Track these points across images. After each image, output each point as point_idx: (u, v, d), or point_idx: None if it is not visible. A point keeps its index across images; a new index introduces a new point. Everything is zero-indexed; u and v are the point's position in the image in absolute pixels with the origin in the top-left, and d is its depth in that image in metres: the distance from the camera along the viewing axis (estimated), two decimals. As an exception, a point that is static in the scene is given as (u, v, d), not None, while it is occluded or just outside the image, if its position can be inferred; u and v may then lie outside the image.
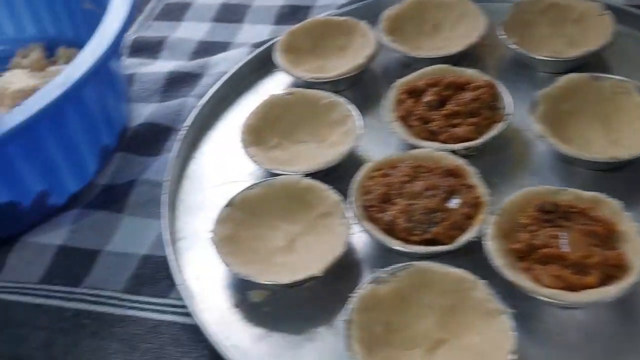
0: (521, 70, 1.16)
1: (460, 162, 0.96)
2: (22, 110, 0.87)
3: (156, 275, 0.95)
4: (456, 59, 1.15)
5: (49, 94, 0.88)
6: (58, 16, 1.32)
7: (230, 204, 0.96)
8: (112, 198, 1.05)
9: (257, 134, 1.07)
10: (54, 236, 1.01)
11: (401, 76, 1.12)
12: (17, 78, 1.15)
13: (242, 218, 0.95)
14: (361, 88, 1.19)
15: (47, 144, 0.94)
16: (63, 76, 0.91)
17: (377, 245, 0.93)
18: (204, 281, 0.93)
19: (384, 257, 0.92)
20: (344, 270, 0.91)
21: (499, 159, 1.03)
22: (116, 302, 0.93)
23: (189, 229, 1.00)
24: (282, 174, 0.99)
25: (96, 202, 1.05)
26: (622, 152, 0.94)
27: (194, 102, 1.18)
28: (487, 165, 0.99)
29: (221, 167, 1.08)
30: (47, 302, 0.93)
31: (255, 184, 0.98)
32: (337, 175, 1.02)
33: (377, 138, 1.09)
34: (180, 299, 0.91)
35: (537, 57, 1.12)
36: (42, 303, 0.93)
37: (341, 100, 1.09)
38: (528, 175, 1.00)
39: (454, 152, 0.98)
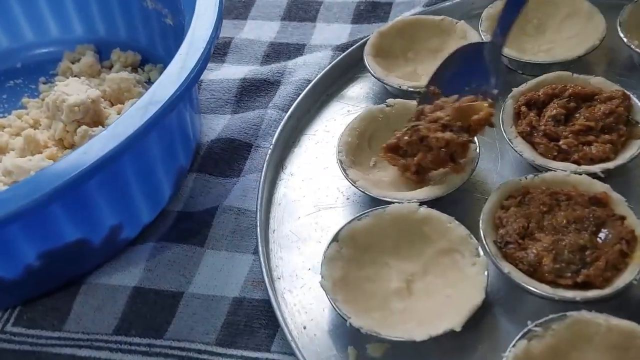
0: (640, 75, 1.03)
1: (603, 187, 0.82)
2: (104, 141, 0.72)
3: (252, 323, 0.81)
4: (570, 64, 1.01)
5: (134, 120, 0.73)
6: (111, 14, 1.17)
7: (337, 239, 0.82)
8: (190, 229, 0.91)
9: (355, 153, 0.93)
10: (127, 276, 0.86)
11: (504, 83, 0.98)
12: (73, 88, 1.00)
13: (351, 255, 0.82)
14: (461, 97, 1.04)
15: (126, 173, 0.80)
16: (148, 97, 0.76)
17: (511, 287, 0.79)
18: (312, 331, 0.79)
19: (520, 301, 0.79)
20: (475, 317, 0.76)
21: (632, 180, 0.90)
22: (208, 356, 0.79)
23: (285, 266, 0.86)
24: (391, 202, 0.85)
25: (172, 234, 0.90)
26: None
27: (275, 114, 1.04)
28: (619, 188, 0.84)
29: (313, 190, 0.95)
30: (125, 358, 0.79)
31: (362, 214, 0.84)
32: (448, 201, 0.88)
33: (489, 156, 0.95)
34: (285, 352, 0.77)
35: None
36: (119, 359, 0.79)
37: None
38: (671, 201, 0.87)
39: (593, 174, 0.85)
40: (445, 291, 0.79)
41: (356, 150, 0.93)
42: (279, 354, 0.78)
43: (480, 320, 0.77)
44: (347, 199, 0.92)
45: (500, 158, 0.95)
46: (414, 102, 0.94)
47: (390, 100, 0.96)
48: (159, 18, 1.10)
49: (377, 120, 0.95)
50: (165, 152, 0.86)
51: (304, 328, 0.79)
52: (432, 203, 0.85)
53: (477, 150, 0.89)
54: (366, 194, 0.87)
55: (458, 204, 0.89)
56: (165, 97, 0.75)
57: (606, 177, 0.85)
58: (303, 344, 0.77)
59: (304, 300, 0.82)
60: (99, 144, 0.71)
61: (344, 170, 0.89)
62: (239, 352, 0.79)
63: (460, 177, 0.86)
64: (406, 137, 0.88)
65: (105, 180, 0.77)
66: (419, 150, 0.87)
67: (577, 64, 1.02)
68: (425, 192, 0.86)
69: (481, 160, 0.94)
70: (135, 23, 1.15)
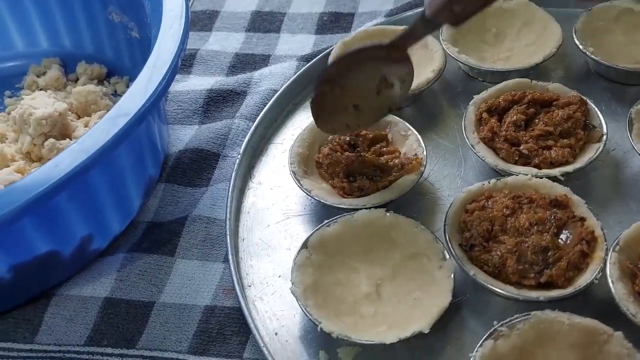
0: (598, 81, 1.06)
1: (563, 190, 0.85)
2: (74, 154, 0.72)
3: (224, 330, 0.82)
4: (529, 71, 1.04)
5: (103, 133, 0.74)
6: (77, 28, 1.17)
7: (306, 245, 0.83)
8: (160, 238, 0.92)
9: (306, 163, 0.94)
10: (98, 287, 0.87)
11: (466, 90, 1.02)
12: (40, 101, 1.00)
13: (321, 261, 0.83)
14: (423, 105, 1.07)
15: (96, 184, 0.80)
16: (116, 110, 0.76)
17: (477, 289, 0.81)
18: (284, 337, 0.81)
19: (486, 302, 0.82)
20: (442, 318, 0.78)
21: (591, 182, 0.93)
22: (181, 365, 0.79)
23: (256, 274, 0.87)
24: (349, 209, 0.87)
25: (143, 244, 0.91)
26: None
27: (242, 124, 1.05)
28: (579, 190, 0.88)
29: (282, 198, 0.96)
30: (98, 369, 0.80)
31: (331, 220, 0.85)
32: (414, 207, 0.91)
33: (454, 161, 0.98)
34: (257, 359, 0.79)
35: (623, 67, 1.02)
36: (91, 370, 0.80)
37: (396, 118, 0.97)
38: (629, 201, 0.90)
39: (553, 177, 0.87)
40: (414, 294, 0.81)
41: (307, 160, 0.95)
42: (251, 360, 0.79)
43: (448, 321, 0.80)
44: (315, 206, 0.94)
45: (464, 163, 0.98)
46: None
47: None
48: (125, 31, 1.10)
49: None
50: (135, 163, 0.87)
51: (276, 334, 0.81)
52: (399, 209, 0.87)
53: (425, 152, 0.92)
54: (322, 201, 0.89)
55: (424, 209, 0.92)
56: (134, 110, 0.76)
57: (566, 180, 0.89)
58: (275, 350, 0.79)
59: (275, 307, 0.83)
60: (69, 157, 0.72)
61: (298, 180, 0.91)
62: (212, 360, 0.79)
63: (410, 180, 0.89)
64: (320, 155, 0.93)
65: (76, 192, 0.77)
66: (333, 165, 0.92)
67: (536, 71, 1.06)
68: (379, 197, 0.88)
69: (445, 165, 0.98)
70: (101, 36, 1.15)
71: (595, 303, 0.78)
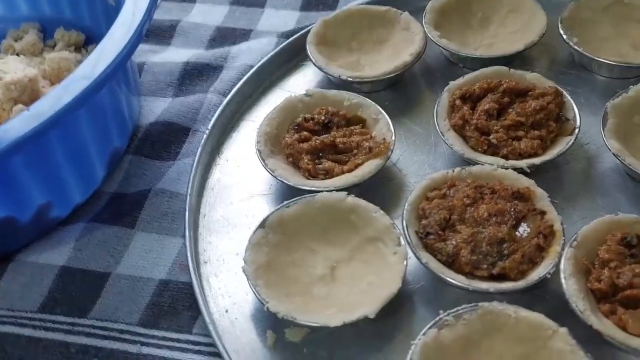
0: (580, 73, 1.05)
1: (527, 182, 0.84)
2: (31, 117, 0.71)
3: (176, 305, 0.82)
4: (510, 59, 1.03)
5: (62, 97, 0.73)
6: (55, -8, 1.16)
7: (263, 225, 0.83)
8: (122, 210, 0.91)
9: (274, 143, 0.93)
10: (56, 255, 0.87)
11: (447, 75, 1.00)
12: (10, 66, 0.99)
13: (278, 241, 0.83)
14: (400, 88, 1.06)
15: (55, 152, 0.80)
16: (79, 75, 0.76)
17: (432, 277, 0.80)
18: (234, 315, 0.80)
19: (440, 291, 0.81)
20: (395, 305, 0.78)
21: (561, 176, 0.92)
22: (130, 337, 0.79)
23: (213, 250, 0.87)
24: (311, 190, 0.86)
25: (104, 214, 0.91)
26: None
27: (215, 98, 1.04)
28: (548, 183, 0.87)
29: (248, 176, 0.95)
30: (48, 336, 0.80)
31: (291, 201, 0.85)
32: (381, 192, 0.90)
33: (425, 148, 0.97)
34: (205, 335, 0.78)
35: (605, 60, 1.00)
36: (41, 337, 0.80)
37: (368, 101, 0.96)
38: (596, 197, 0.89)
39: (519, 169, 0.86)
40: (367, 278, 0.80)
41: (275, 139, 0.94)
42: (200, 336, 0.79)
43: (399, 308, 0.79)
44: (281, 186, 0.93)
45: (434, 150, 0.97)
46: (334, 92, 0.96)
47: (309, 90, 0.97)
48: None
49: (296, 110, 0.96)
50: (98, 133, 0.86)
51: (226, 311, 0.80)
52: (365, 193, 0.86)
53: (393, 137, 0.91)
54: (284, 182, 0.88)
55: (389, 194, 0.92)
56: (93, 76, 0.75)
57: (533, 172, 0.87)
58: (223, 327, 0.79)
59: (228, 285, 0.83)
60: (20, 122, 0.71)
61: (263, 160, 0.90)
62: (161, 333, 0.79)
63: (375, 164, 0.88)
64: (287, 138, 0.92)
65: (32, 158, 0.77)
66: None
67: (520, 59, 1.04)
68: (342, 180, 0.87)
69: (415, 151, 0.97)
70: (79, 2, 1.14)
71: (548, 297, 0.78)
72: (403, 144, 0.97)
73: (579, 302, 0.72)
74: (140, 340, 0.79)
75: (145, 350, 0.78)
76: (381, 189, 0.92)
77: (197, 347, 0.78)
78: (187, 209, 0.88)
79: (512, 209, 0.81)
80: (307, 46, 1.05)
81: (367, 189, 0.89)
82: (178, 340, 0.79)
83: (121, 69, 0.86)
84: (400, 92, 1.05)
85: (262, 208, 0.91)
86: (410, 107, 1.03)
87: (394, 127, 0.96)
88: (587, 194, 0.89)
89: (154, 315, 0.81)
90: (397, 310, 0.79)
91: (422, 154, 0.96)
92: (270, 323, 0.79)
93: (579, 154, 0.93)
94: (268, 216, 0.83)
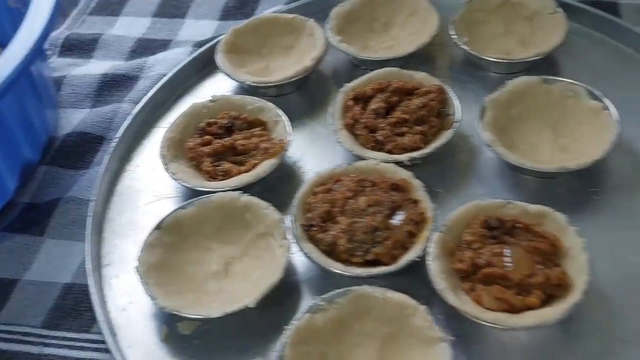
0: (473, 71, 1.10)
1: (405, 175, 0.89)
2: None
3: (78, 306, 0.87)
4: (408, 59, 1.08)
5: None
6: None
7: (159, 227, 0.87)
8: (33, 219, 0.96)
9: (178, 147, 0.98)
10: (-34, 264, 0.91)
11: (351, 77, 1.05)
12: None
13: (173, 242, 0.87)
14: (308, 91, 1.11)
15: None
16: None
17: (318, 267, 0.85)
18: (131, 313, 0.85)
19: (327, 280, 0.85)
20: (283, 295, 0.83)
21: (446, 167, 0.97)
22: (33, 339, 0.84)
23: (117, 253, 0.92)
24: (209, 191, 0.91)
25: (16, 224, 0.95)
26: (570, 161, 0.89)
27: (128, 107, 1.09)
28: (433, 174, 0.93)
29: (156, 181, 1.00)
30: (-45, 341, 0.84)
31: (188, 202, 0.90)
32: (282, 190, 0.95)
33: (326, 147, 1.01)
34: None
35: (488, 58, 1.05)
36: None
37: (269, 105, 1.01)
38: (475, 185, 0.94)
39: (400, 162, 0.91)
40: (258, 272, 0.85)
41: (179, 144, 0.98)
42: (99, 335, 0.83)
43: (287, 298, 0.84)
44: (186, 189, 0.97)
45: (334, 149, 1.01)
46: (237, 97, 1.01)
47: (214, 96, 1.02)
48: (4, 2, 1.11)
49: (201, 115, 1.01)
50: (4, 146, 0.91)
51: (124, 310, 0.85)
52: (265, 192, 0.91)
53: (290, 138, 0.95)
54: (184, 185, 0.93)
55: (289, 191, 0.94)
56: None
57: (420, 165, 0.92)
58: (120, 325, 0.83)
59: (128, 285, 0.87)
60: None
61: (165, 164, 0.95)
62: (62, 334, 0.84)
63: (270, 164, 0.93)
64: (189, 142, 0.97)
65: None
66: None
67: (418, 59, 1.09)
68: (237, 180, 0.92)
69: (316, 150, 1.02)
70: (2, 22, 1.18)
71: (419, 279, 0.81)
72: (305, 143, 1.02)
73: (440, 281, 0.77)
74: (42, 341, 0.84)
75: (47, 350, 0.83)
76: (283, 187, 0.96)
77: (95, 345, 0.83)
78: (90, 214, 0.93)
79: (389, 200, 0.85)
80: (216, 54, 1.10)
81: (269, 188, 0.94)
82: (78, 340, 0.83)
83: (22, 81, 0.89)
84: (307, 94, 1.10)
85: (168, 210, 0.95)
86: (314, 109, 1.07)
87: (299, 128, 1.02)
88: (467, 182, 0.94)
89: (57, 317, 0.85)
90: (285, 300, 0.84)
91: (323, 153, 1.01)
92: (164, 319, 0.83)
93: (464, 146, 0.98)
94: (165, 218, 0.88)
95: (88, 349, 0.83)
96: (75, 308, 0.86)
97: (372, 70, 1.06)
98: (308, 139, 1.03)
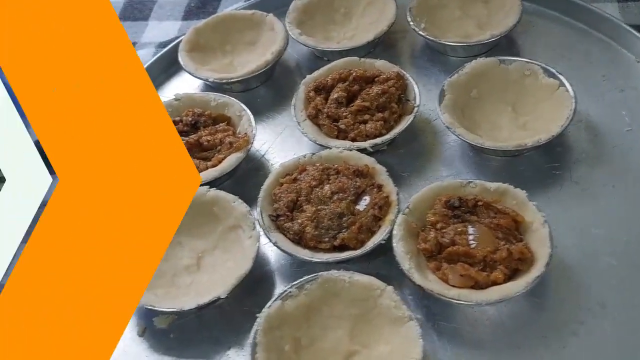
0: (434, 56, 1.12)
1: (368, 160, 0.91)
2: None
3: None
4: (370, 47, 1.10)
5: None
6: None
7: (130, 224, 0.89)
8: None
9: None
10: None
11: (314, 69, 1.07)
12: None
13: (144, 238, 0.88)
14: (274, 84, 1.13)
15: None
16: None
17: (290, 257, 0.87)
18: (106, 311, 0.86)
19: (298, 268, 0.87)
20: (256, 285, 0.85)
21: (410, 151, 0.99)
22: None
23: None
24: None
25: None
26: (527, 138, 0.91)
27: (94, 111, 1.09)
28: (398, 159, 0.95)
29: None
30: None
31: (157, 199, 0.91)
32: (250, 182, 0.96)
33: (292, 138, 1.03)
34: (79, 332, 0.84)
35: (446, 42, 1.07)
36: None
37: (233, 100, 1.03)
38: (440, 167, 0.96)
39: (364, 149, 0.93)
40: (228, 264, 0.86)
41: None
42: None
43: (259, 287, 0.86)
44: (156, 187, 0.99)
45: (300, 140, 1.02)
46: (201, 94, 1.03)
47: (178, 94, 1.04)
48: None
49: None
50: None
51: (98, 307, 0.86)
52: (235, 186, 0.93)
53: (254, 131, 0.97)
54: None
55: (257, 184, 0.97)
56: None
57: (385, 150, 0.95)
58: (95, 322, 0.84)
59: (102, 283, 0.89)
60: None
61: None
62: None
63: (236, 157, 0.94)
64: None
65: None
66: None
67: (380, 47, 1.11)
68: (204, 175, 0.93)
69: (283, 142, 1.03)
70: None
71: (388, 262, 0.83)
72: (272, 136, 1.04)
73: (405, 262, 0.79)
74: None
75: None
76: (251, 180, 0.97)
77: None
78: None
79: (352, 186, 0.87)
80: (179, 53, 1.12)
81: (238, 182, 0.96)
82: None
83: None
84: (272, 88, 1.12)
85: (138, 210, 0.97)
86: (280, 101, 1.09)
87: (265, 121, 1.04)
88: (432, 165, 0.96)
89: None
90: (258, 290, 0.85)
91: (290, 144, 1.03)
92: (141, 314, 0.85)
93: (428, 130, 1.00)
94: (135, 216, 0.89)
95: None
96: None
97: (332, 61, 1.08)
98: (274, 131, 1.05)
